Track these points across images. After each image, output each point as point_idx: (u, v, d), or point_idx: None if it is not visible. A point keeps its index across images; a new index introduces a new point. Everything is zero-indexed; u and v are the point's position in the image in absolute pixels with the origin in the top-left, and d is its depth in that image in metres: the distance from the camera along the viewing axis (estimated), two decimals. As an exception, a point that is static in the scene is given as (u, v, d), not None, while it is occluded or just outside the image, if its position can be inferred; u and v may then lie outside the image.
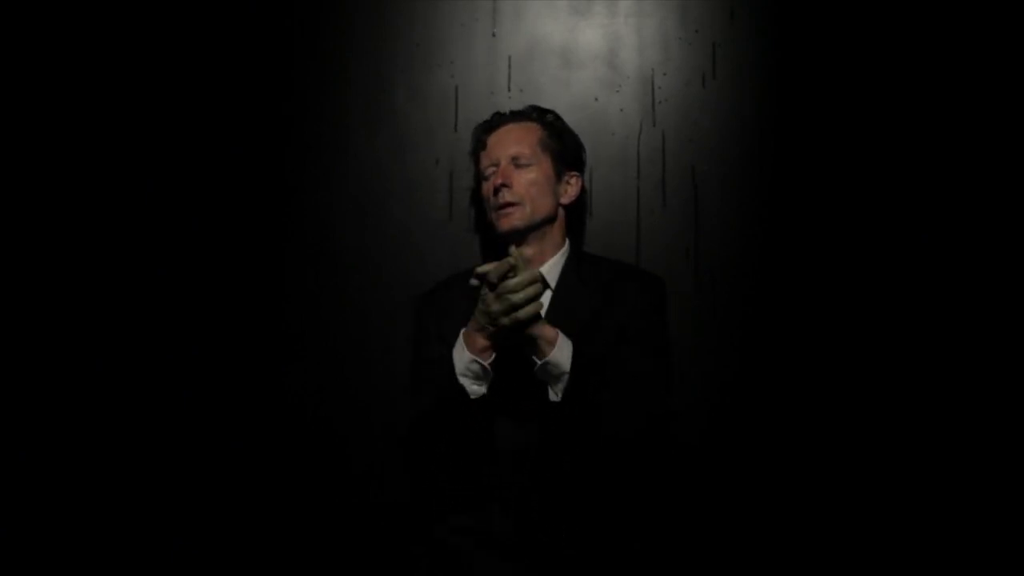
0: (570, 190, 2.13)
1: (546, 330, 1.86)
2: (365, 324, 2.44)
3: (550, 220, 2.10)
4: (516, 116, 2.15)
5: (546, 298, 2.01)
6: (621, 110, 2.47)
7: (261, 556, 2.39)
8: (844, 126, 2.42)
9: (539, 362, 1.85)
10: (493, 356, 1.89)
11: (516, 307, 1.82)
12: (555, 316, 1.95)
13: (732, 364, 2.40)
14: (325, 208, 2.48)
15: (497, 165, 2.08)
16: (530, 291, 1.83)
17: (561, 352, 1.84)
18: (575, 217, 2.24)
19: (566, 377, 1.83)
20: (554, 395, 1.86)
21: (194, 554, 2.38)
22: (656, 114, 2.46)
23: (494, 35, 2.50)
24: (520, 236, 2.06)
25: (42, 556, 2.38)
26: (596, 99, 2.47)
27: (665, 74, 2.47)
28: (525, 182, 2.05)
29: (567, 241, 2.15)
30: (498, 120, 2.16)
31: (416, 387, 2.07)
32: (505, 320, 1.83)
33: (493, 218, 2.09)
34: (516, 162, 2.07)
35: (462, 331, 1.91)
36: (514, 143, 2.09)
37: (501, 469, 1.93)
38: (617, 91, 2.48)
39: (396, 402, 2.40)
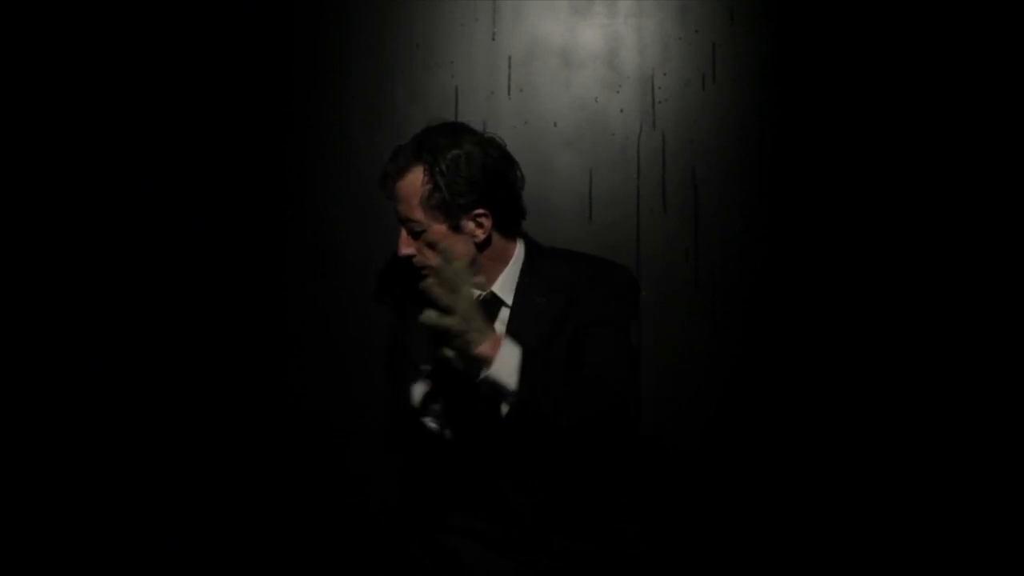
0: (479, 230, 1.90)
1: (484, 349, 1.74)
2: (365, 324, 2.44)
3: (471, 260, 1.90)
4: (403, 163, 1.89)
5: (504, 315, 1.94)
6: (621, 110, 2.47)
7: (261, 556, 2.39)
8: (844, 126, 2.42)
9: (479, 378, 1.76)
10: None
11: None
12: (515, 332, 1.88)
13: (732, 364, 2.40)
14: (325, 208, 2.48)
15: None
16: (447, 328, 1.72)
17: (502, 369, 1.75)
18: (511, 220, 1.96)
19: (513, 392, 1.75)
20: (504, 408, 1.78)
21: (194, 554, 2.38)
22: (656, 114, 2.46)
23: (494, 35, 2.51)
24: None
25: (42, 556, 2.38)
26: (596, 99, 2.47)
27: (665, 74, 2.48)
28: (423, 247, 1.89)
29: (518, 245, 1.98)
30: (389, 170, 1.91)
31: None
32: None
33: None
34: (410, 228, 1.89)
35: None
36: (403, 208, 1.89)
37: (473, 478, 1.92)
38: (617, 91, 2.48)
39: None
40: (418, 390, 1.92)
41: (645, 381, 2.42)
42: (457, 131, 1.92)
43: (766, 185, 2.43)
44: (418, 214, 1.87)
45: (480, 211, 1.89)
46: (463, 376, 1.79)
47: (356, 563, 2.40)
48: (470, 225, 1.89)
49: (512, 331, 1.90)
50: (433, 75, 2.50)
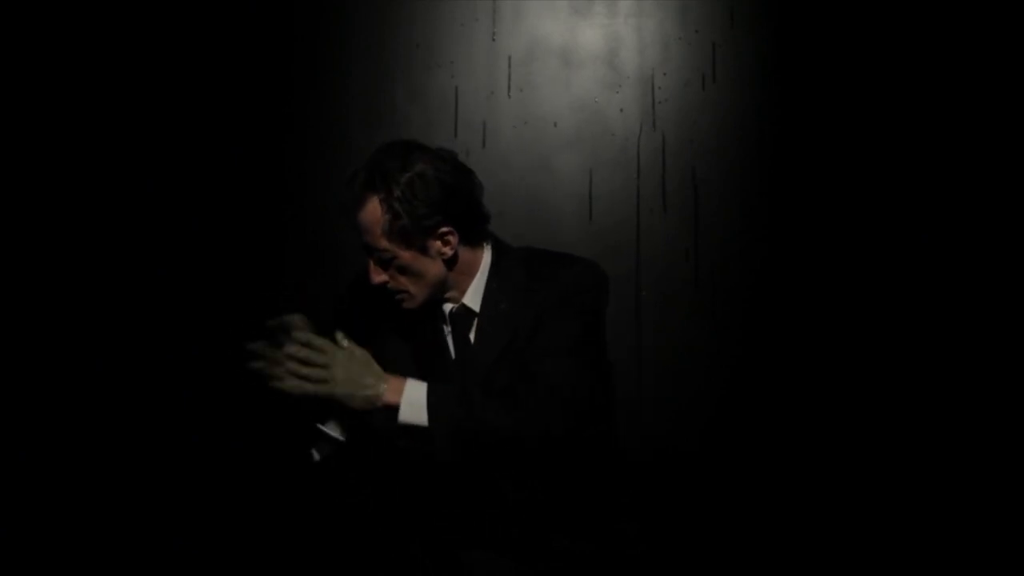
0: (447, 248, 1.86)
1: (388, 398, 1.76)
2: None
3: (441, 279, 1.89)
4: (358, 193, 1.84)
5: (473, 326, 1.93)
6: (621, 110, 2.47)
7: (261, 556, 2.39)
8: (843, 127, 2.42)
9: (396, 424, 1.77)
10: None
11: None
12: (482, 342, 1.89)
13: (732, 364, 2.40)
14: (325, 208, 2.48)
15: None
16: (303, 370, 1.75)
17: (411, 412, 1.76)
18: (475, 230, 1.91)
19: (425, 432, 1.75)
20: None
21: (194, 554, 2.38)
22: (656, 114, 2.46)
23: (494, 35, 2.50)
24: (425, 306, 1.92)
25: (42, 556, 2.38)
26: (596, 100, 2.47)
27: (665, 74, 2.47)
28: (395, 274, 1.86)
29: (486, 252, 1.94)
30: (345, 203, 1.87)
31: None
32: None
33: None
34: (378, 257, 1.86)
35: None
36: (367, 236, 1.85)
37: (472, 478, 1.92)
38: (617, 91, 2.48)
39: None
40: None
41: (645, 381, 2.42)
42: (406, 152, 1.86)
43: (766, 185, 2.43)
44: (383, 243, 1.83)
45: (445, 229, 1.85)
46: (382, 427, 1.78)
47: (356, 563, 2.40)
48: (437, 245, 1.86)
49: (478, 340, 1.89)
50: (433, 75, 2.49)
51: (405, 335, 1.93)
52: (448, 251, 1.87)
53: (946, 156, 2.40)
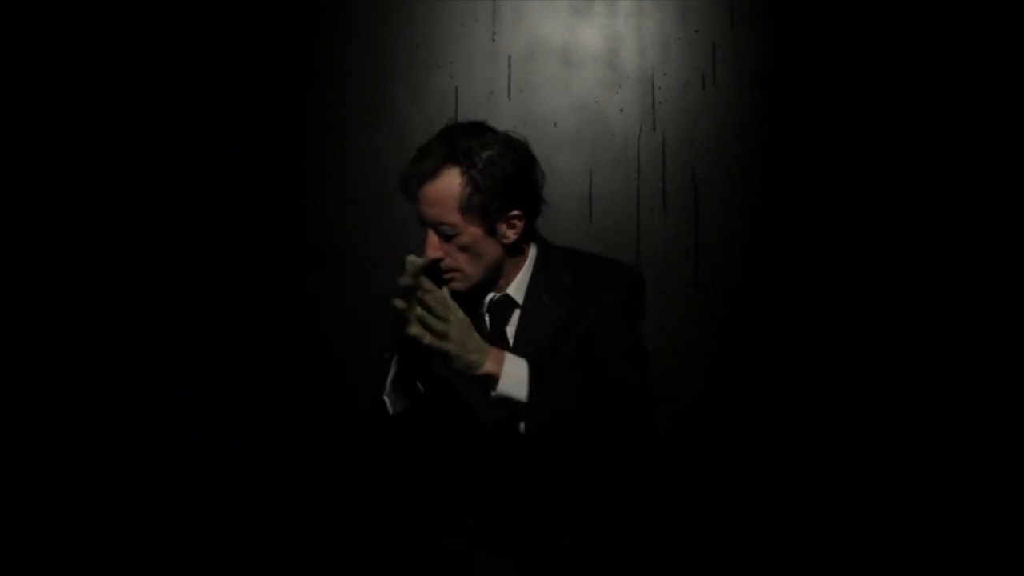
0: (511, 232, 1.86)
1: (489, 367, 1.73)
2: (365, 324, 2.44)
3: (498, 264, 1.89)
4: (435, 164, 1.83)
5: (516, 317, 1.91)
6: (621, 110, 2.47)
7: (261, 556, 2.39)
8: (843, 127, 2.42)
9: (493, 395, 1.75)
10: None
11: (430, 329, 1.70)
12: (524, 334, 1.89)
13: (732, 364, 2.40)
14: (325, 208, 2.48)
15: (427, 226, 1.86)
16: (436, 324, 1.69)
17: (510, 384, 1.74)
18: (534, 216, 1.93)
19: (525, 404, 1.74)
20: (521, 427, 1.77)
21: (194, 554, 2.38)
22: (656, 114, 2.46)
23: (494, 35, 2.51)
24: (471, 291, 1.90)
25: (42, 556, 2.38)
26: (596, 100, 2.47)
27: (665, 74, 2.48)
28: (454, 251, 1.84)
29: (532, 246, 1.95)
30: (418, 171, 1.84)
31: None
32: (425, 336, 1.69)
33: None
34: (441, 233, 1.83)
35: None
36: (434, 211, 1.82)
37: (473, 478, 1.92)
38: (617, 91, 2.48)
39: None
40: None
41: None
42: (484, 131, 1.88)
43: (766, 185, 2.43)
44: (453, 217, 1.82)
45: (515, 213, 1.85)
46: (476, 395, 1.78)
47: (356, 563, 2.40)
48: (503, 227, 1.86)
49: (520, 333, 1.89)
50: (433, 75, 2.50)
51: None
52: (512, 236, 1.87)
53: (946, 156, 2.40)
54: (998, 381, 2.34)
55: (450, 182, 1.82)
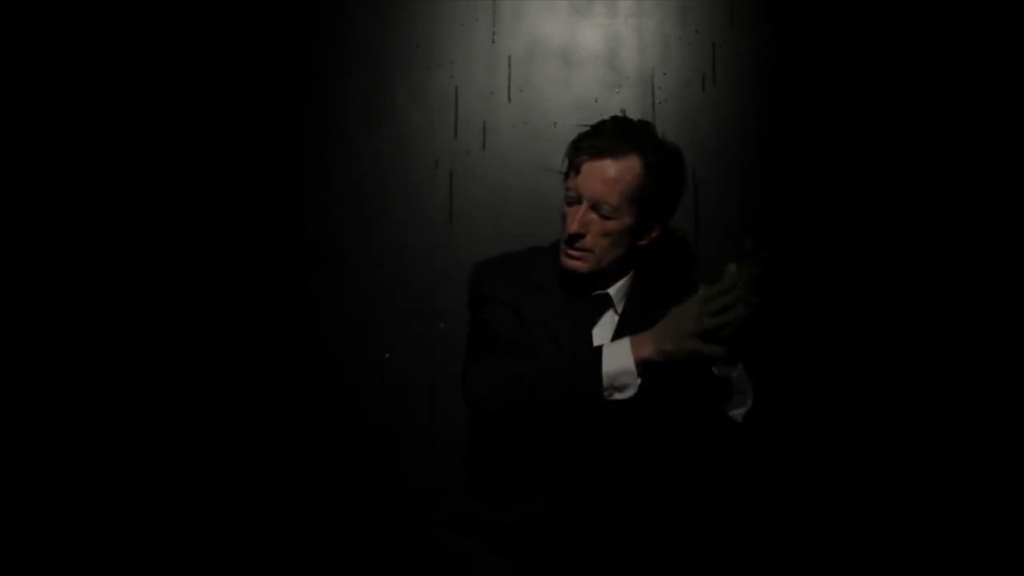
0: (652, 234, 1.90)
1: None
2: (365, 324, 2.44)
3: (618, 261, 1.90)
4: (619, 144, 1.84)
5: (606, 319, 1.94)
6: (621, 110, 2.46)
7: (261, 556, 2.39)
8: (844, 127, 2.42)
9: (732, 374, 1.82)
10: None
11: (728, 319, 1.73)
12: (621, 335, 1.87)
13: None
14: (325, 208, 2.48)
15: (580, 201, 1.85)
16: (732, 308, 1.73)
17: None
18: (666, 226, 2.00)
19: (742, 392, 1.83)
20: (736, 415, 1.84)
21: (194, 554, 2.38)
22: (656, 114, 2.46)
23: (494, 35, 2.50)
24: (581, 276, 1.91)
25: (42, 556, 2.38)
26: (596, 100, 2.47)
27: (665, 74, 2.47)
28: (601, 233, 1.85)
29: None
30: (599, 146, 1.85)
31: (491, 363, 1.85)
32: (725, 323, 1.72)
33: (561, 247, 1.92)
34: (598, 210, 1.83)
35: (630, 338, 1.76)
36: (603, 187, 1.83)
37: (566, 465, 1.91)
38: (617, 91, 2.48)
39: (395, 401, 2.41)
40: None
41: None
42: (655, 132, 1.93)
43: (766, 185, 2.43)
44: (617, 200, 1.83)
45: (665, 218, 1.91)
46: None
47: (356, 563, 2.40)
48: (648, 228, 1.90)
49: (619, 333, 1.90)
50: (433, 75, 2.49)
51: (540, 306, 1.91)
52: (652, 237, 1.91)
53: (946, 156, 2.40)
54: (998, 381, 2.34)
55: (631, 166, 1.84)
